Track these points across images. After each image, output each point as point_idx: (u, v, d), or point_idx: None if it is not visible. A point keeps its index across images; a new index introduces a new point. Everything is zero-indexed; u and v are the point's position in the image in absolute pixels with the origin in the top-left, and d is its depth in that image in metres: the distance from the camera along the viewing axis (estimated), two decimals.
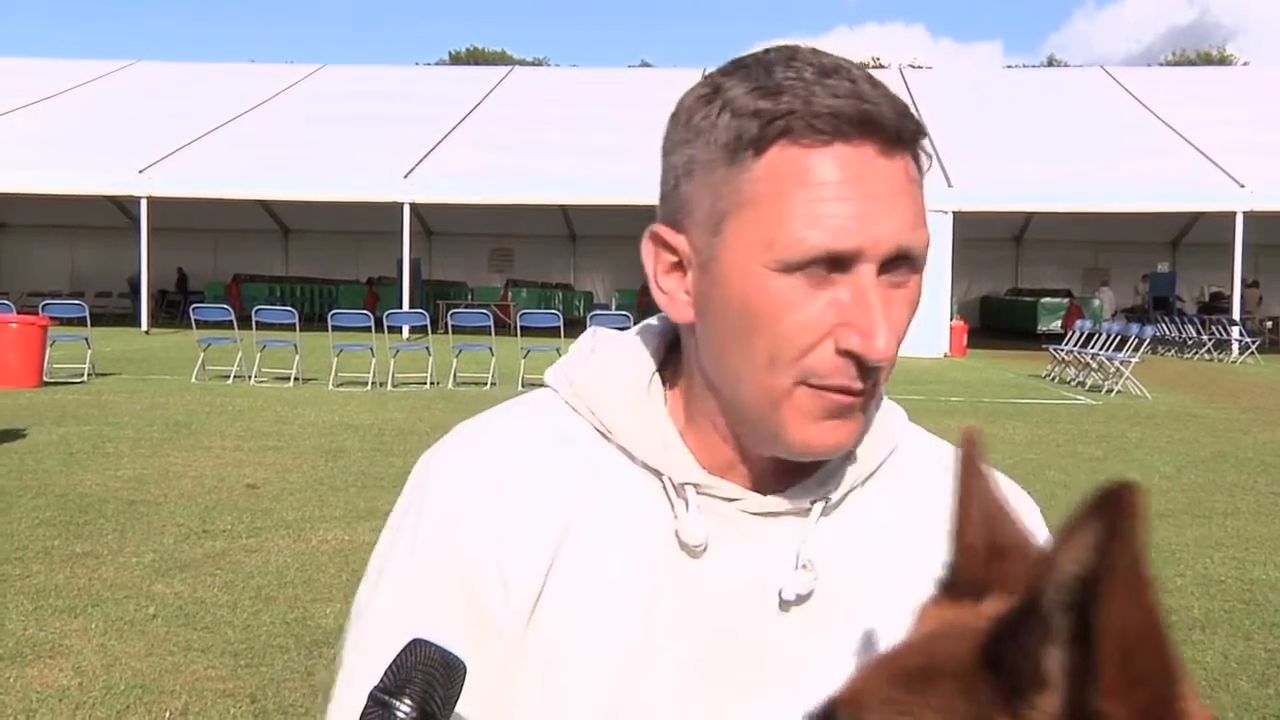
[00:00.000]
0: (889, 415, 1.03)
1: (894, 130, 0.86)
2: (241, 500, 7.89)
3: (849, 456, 0.99)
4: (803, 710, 0.96)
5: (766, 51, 0.90)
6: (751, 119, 0.86)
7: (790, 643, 0.96)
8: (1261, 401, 16.39)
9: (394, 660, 0.81)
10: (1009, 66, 62.86)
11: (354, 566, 6.23)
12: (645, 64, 60.51)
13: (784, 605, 0.96)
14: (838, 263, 0.86)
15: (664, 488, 0.97)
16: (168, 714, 4.25)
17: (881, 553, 0.99)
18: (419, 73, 45.18)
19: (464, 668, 0.82)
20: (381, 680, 0.80)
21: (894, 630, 0.98)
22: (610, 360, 1.02)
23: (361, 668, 1.00)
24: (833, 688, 0.96)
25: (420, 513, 1.00)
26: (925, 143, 0.90)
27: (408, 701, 0.79)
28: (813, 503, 0.97)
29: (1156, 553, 6.80)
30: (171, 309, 31.76)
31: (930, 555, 1.00)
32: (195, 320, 17.65)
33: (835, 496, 0.98)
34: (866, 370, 0.88)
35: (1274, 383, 20.12)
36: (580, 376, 1.02)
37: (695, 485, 0.96)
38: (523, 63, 61.18)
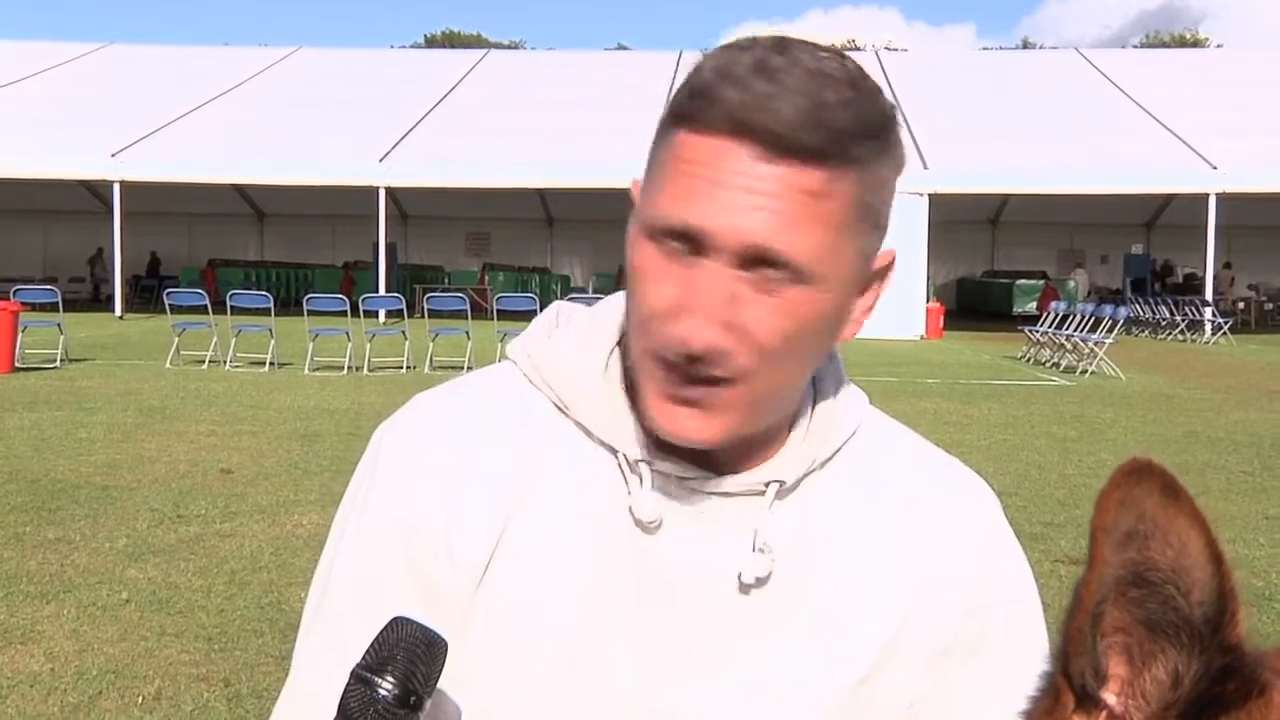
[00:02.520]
0: (849, 400, 1.03)
1: (780, 138, 0.84)
2: (216, 485, 7.86)
3: (806, 439, 0.99)
4: (759, 690, 0.97)
5: (752, 39, 0.90)
6: (680, 96, 0.89)
7: (747, 624, 0.96)
8: (1233, 381, 16.51)
9: (376, 638, 0.81)
10: (984, 49, 62.92)
11: None
12: (622, 47, 60.31)
13: (743, 588, 0.96)
14: (693, 243, 0.87)
15: (619, 464, 0.97)
16: (140, 699, 4.24)
17: (839, 537, 0.99)
18: (394, 55, 44.95)
19: (445, 645, 0.82)
20: (363, 658, 0.81)
21: (851, 614, 0.98)
22: (571, 334, 1.02)
23: (316, 637, 1.01)
24: (779, 665, 0.97)
25: (371, 482, 1.01)
26: (866, 162, 0.87)
27: (390, 679, 0.79)
28: (767, 484, 0.97)
29: None
30: (146, 294, 31.57)
31: (886, 541, 1.01)
32: (170, 305, 17.54)
33: (791, 479, 0.98)
34: (694, 358, 0.88)
35: (1246, 363, 20.26)
36: (539, 350, 1.02)
37: (648, 462, 0.96)
38: (499, 45, 60.92)
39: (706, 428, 0.91)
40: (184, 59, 37.61)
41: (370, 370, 15.76)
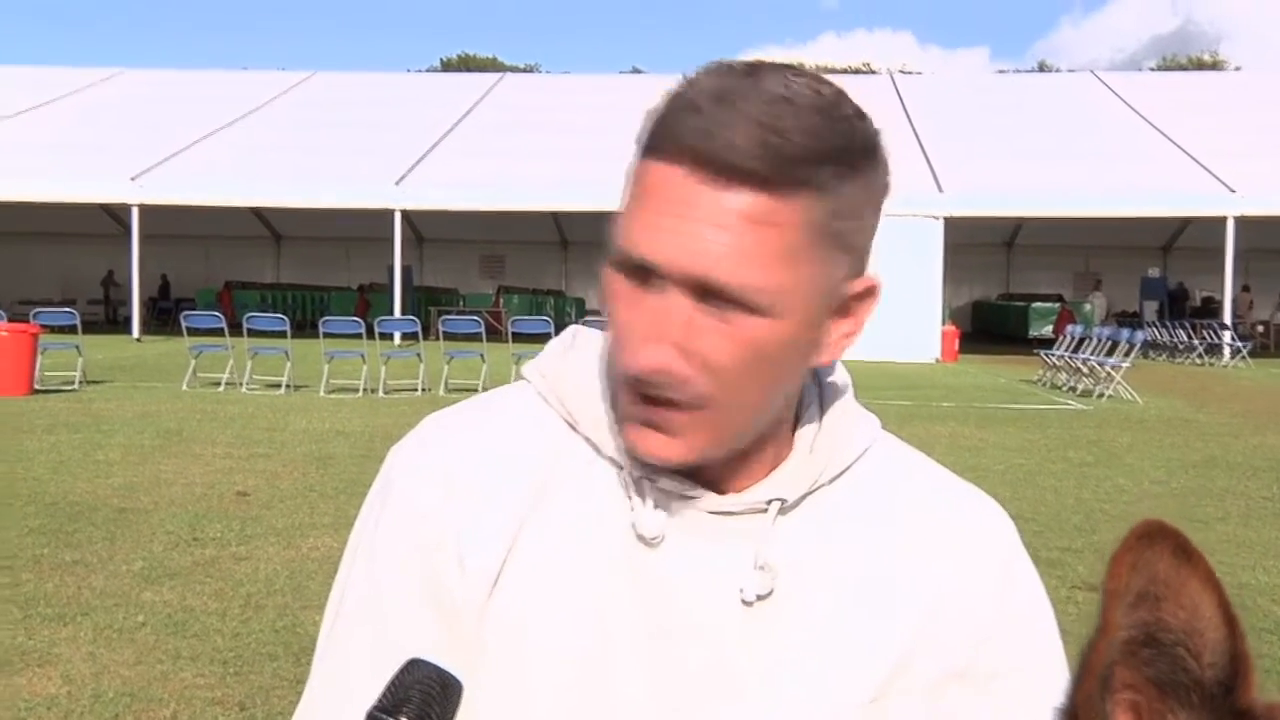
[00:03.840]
0: (854, 422, 1.04)
1: (724, 165, 0.85)
2: (232, 508, 7.88)
3: (810, 458, 1.00)
4: (759, 707, 0.96)
5: (727, 64, 0.91)
6: (644, 123, 0.91)
7: (748, 643, 0.96)
8: (1252, 406, 16.42)
9: (391, 679, 0.81)
10: (1000, 71, 62.94)
11: None
12: (636, 70, 60.57)
13: (744, 605, 0.96)
14: (648, 274, 0.89)
15: (623, 480, 0.98)
16: None
17: (845, 556, 0.99)
18: (410, 79, 45.19)
19: (460, 687, 0.82)
20: (379, 699, 0.81)
21: (856, 633, 0.98)
22: (584, 355, 1.03)
23: (330, 660, 1.01)
24: (785, 686, 0.97)
25: (384, 504, 1.01)
26: (824, 188, 0.87)
27: None
28: (769, 502, 0.98)
29: None
30: (164, 315, 31.71)
31: (895, 560, 1.00)
32: (187, 328, 17.61)
33: (792, 497, 0.98)
34: (648, 380, 0.89)
35: (1264, 387, 20.16)
36: (553, 369, 1.04)
37: (652, 480, 0.96)
38: (514, 69, 61.20)
39: (672, 448, 0.93)
40: (201, 83, 37.86)
41: (385, 393, 15.79)
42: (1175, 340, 27.28)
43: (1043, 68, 74.19)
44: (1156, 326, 27.96)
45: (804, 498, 0.99)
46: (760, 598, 0.96)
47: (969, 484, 1.07)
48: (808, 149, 0.86)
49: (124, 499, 8.08)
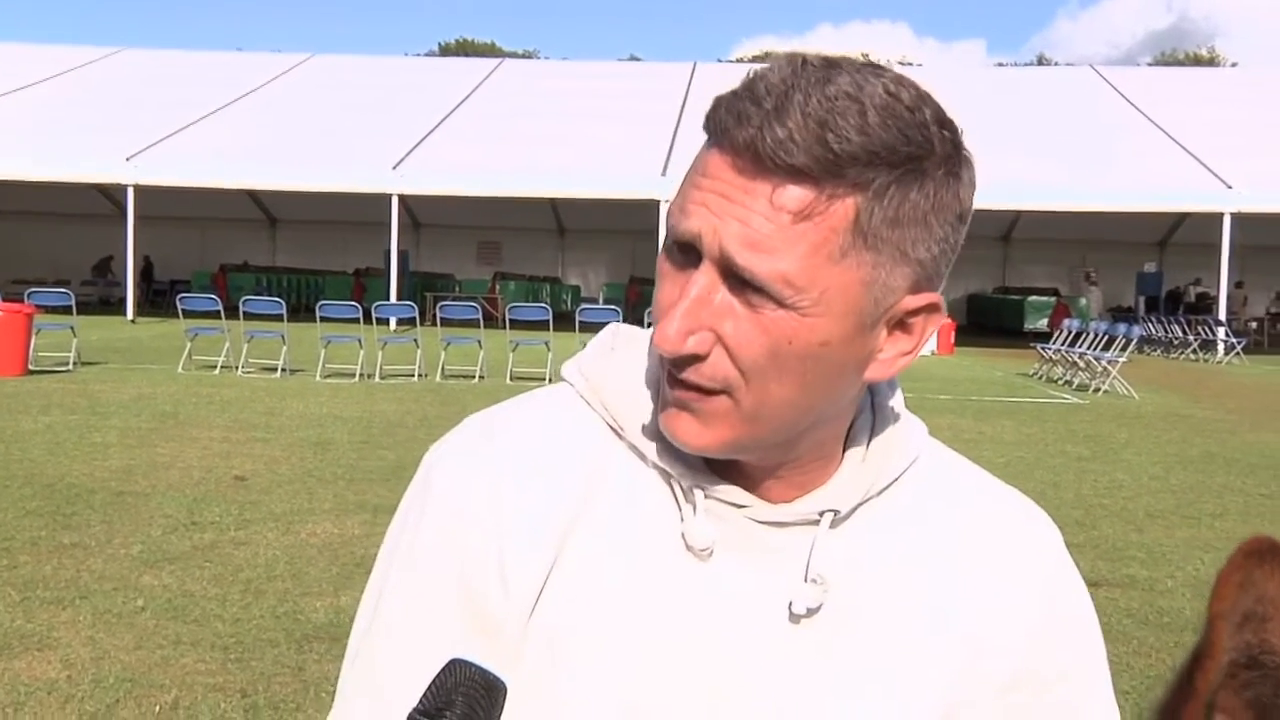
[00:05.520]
0: (908, 429, 1.02)
1: (770, 155, 0.84)
2: (230, 492, 7.85)
3: (863, 468, 0.98)
4: None
5: (803, 56, 0.89)
6: (711, 109, 0.89)
7: (799, 655, 0.94)
8: (1247, 402, 16.45)
9: (433, 681, 0.79)
10: (999, 64, 62.90)
11: (343, 560, 6.20)
12: (634, 58, 60.46)
13: (793, 618, 0.94)
14: (690, 254, 0.88)
15: (672, 489, 0.96)
16: (158, 708, 4.22)
17: (892, 570, 0.97)
18: (408, 64, 45.08)
19: (504, 688, 0.80)
20: (420, 702, 0.78)
21: (901, 648, 0.97)
22: (628, 357, 1.01)
23: (363, 664, 0.99)
24: (841, 703, 0.95)
25: (424, 509, 0.99)
26: (877, 191, 0.85)
27: None
28: (821, 514, 0.96)
29: (1147, 553, 6.83)
30: (158, 297, 31.60)
31: (946, 571, 0.99)
32: (182, 310, 17.55)
33: (845, 508, 0.96)
34: (673, 358, 0.89)
35: (1259, 383, 20.20)
36: (596, 372, 1.01)
37: (703, 489, 0.95)
38: (512, 55, 61.07)
39: (702, 434, 0.91)
40: (198, 64, 37.73)
41: (382, 378, 15.75)
42: (1170, 335, 27.32)
43: (1041, 61, 74.15)
44: (1150, 321, 27.98)
45: (855, 509, 0.97)
46: (811, 611, 0.94)
47: (1015, 491, 1.06)
48: (864, 149, 0.83)
49: (121, 482, 8.04)
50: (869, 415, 1.00)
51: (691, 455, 0.95)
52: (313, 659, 4.74)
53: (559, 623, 0.93)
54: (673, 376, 0.90)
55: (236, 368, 15.99)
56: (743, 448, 0.92)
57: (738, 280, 0.86)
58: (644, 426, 0.97)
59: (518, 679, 0.92)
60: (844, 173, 0.84)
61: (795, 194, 0.84)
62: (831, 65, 0.87)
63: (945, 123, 0.88)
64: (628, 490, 0.96)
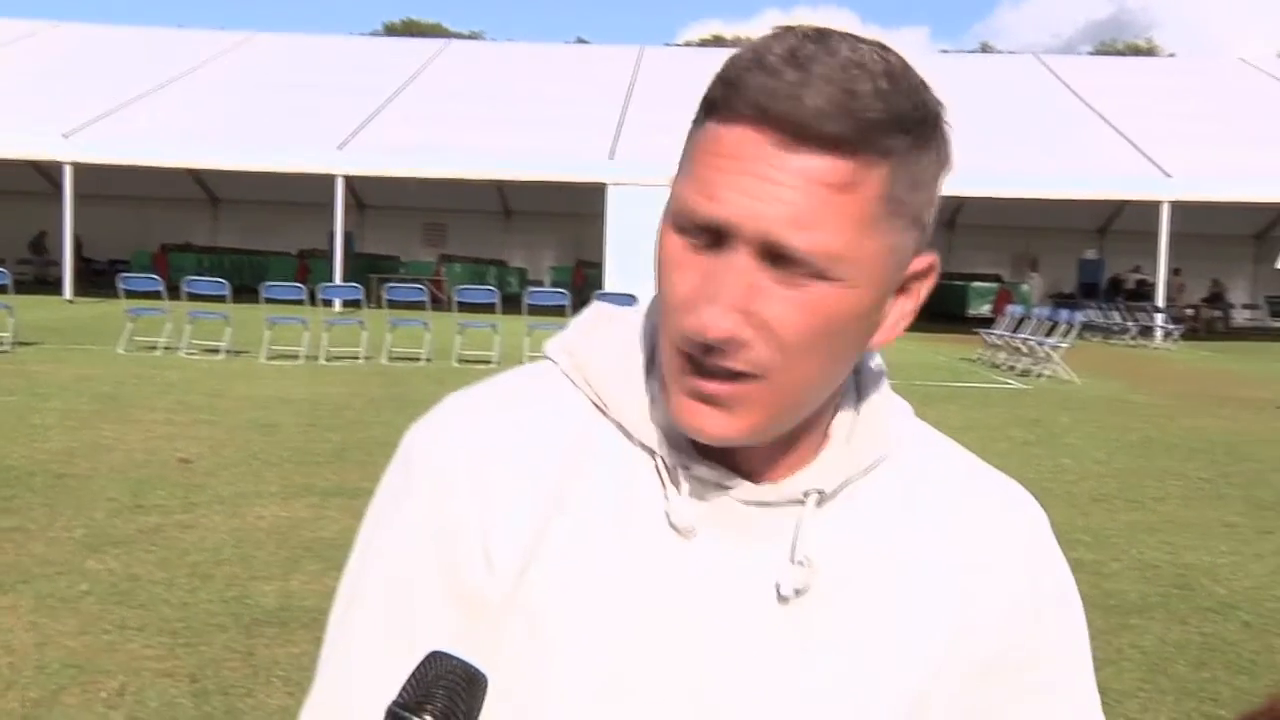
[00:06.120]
0: (890, 410, 1.01)
1: (803, 127, 0.82)
2: (174, 475, 7.74)
3: (848, 447, 0.97)
4: (797, 704, 0.94)
5: (789, 28, 0.88)
6: (711, 86, 0.88)
7: (784, 637, 0.93)
8: (1185, 388, 16.71)
9: (413, 674, 0.78)
10: (943, 51, 63.38)
11: (292, 544, 6.14)
12: (581, 40, 60.21)
13: (780, 599, 0.93)
14: (715, 235, 0.86)
15: (656, 467, 0.94)
16: (104, 694, 4.16)
17: (877, 550, 0.97)
18: (354, 43, 44.55)
19: (486, 682, 0.79)
20: (400, 695, 0.76)
21: (888, 629, 0.96)
22: (612, 334, 1.00)
23: (343, 646, 0.97)
24: (826, 684, 0.94)
25: (406, 486, 0.97)
26: (898, 156, 0.85)
27: (428, 718, 0.75)
28: (806, 494, 0.95)
29: (1093, 537, 6.92)
30: (97, 276, 31.05)
31: (930, 551, 0.98)
32: (124, 290, 17.27)
33: (830, 488, 0.95)
34: (710, 349, 0.86)
35: (1196, 369, 20.53)
36: (581, 349, 0.99)
37: (688, 468, 0.93)
38: (459, 36, 60.61)
39: (728, 424, 0.89)
40: (138, 40, 37.03)
41: (327, 360, 15.60)
42: (1110, 322, 27.68)
43: (985, 49, 74.76)
44: (1091, 308, 28.34)
45: (840, 489, 0.96)
46: (797, 593, 0.93)
47: (999, 472, 1.06)
48: (883, 114, 0.83)
49: (62, 464, 7.91)
50: (854, 394, 0.99)
51: (676, 433, 0.93)
52: (262, 643, 4.69)
53: (541, 600, 0.92)
54: (695, 366, 0.88)
55: (179, 349, 15.77)
56: (766, 432, 0.91)
57: (775, 258, 0.85)
58: (629, 403, 0.96)
59: (500, 657, 0.91)
60: (875, 141, 0.84)
61: (834, 165, 0.84)
62: (823, 34, 0.87)
63: (926, 85, 0.89)
64: (611, 468, 0.95)
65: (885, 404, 1.01)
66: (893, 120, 0.84)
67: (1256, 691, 4.54)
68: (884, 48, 0.87)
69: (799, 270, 0.85)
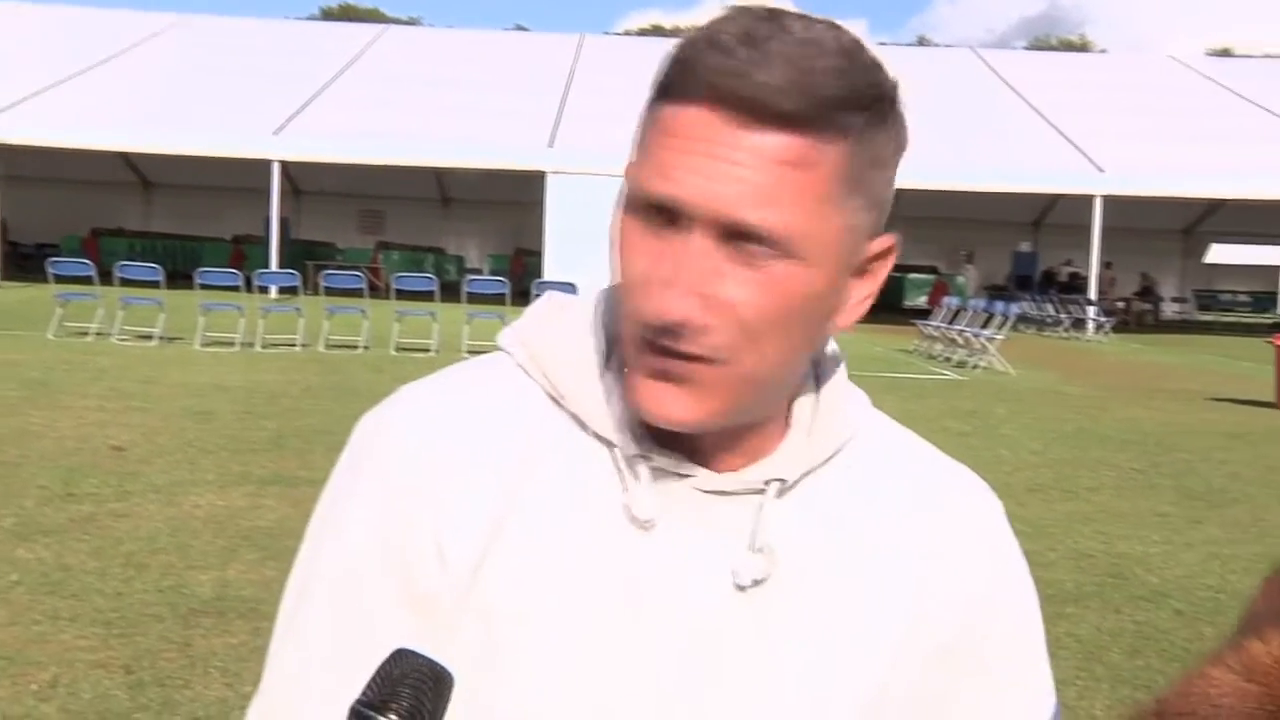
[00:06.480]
0: (849, 399, 1.00)
1: (758, 105, 0.82)
2: (107, 462, 7.61)
3: (809, 437, 0.96)
4: (758, 695, 0.93)
5: (744, 8, 0.87)
6: (664, 67, 0.86)
7: (744, 627, 0.92)
8: (1117, 380, 16.98)
9: (378, 671, 0.76)
10: (881, 43, 63.83)
11: (229, 533, 6.05)
12: (520, 28, 59.93)
13: (739, 589, 0.92)
14: (671, 215, 0.84)
15: (614, 459, 0.93)
16: (35, 686, 4.07)
17: (837, 539, 0.96)
18: (291, 27, 44.01)
19: (452, 680, 0.77)
20: (364, 693, 0.74)
21: (848, 618, 0.96)
22: (567, 324, 0.98)
23: (292, 644, 0.95)
24: (787, 674, 0.94)
25: (356, 480, 0.95)
26: (856, 135, 0.84)
27: (393, 717, 0.73)
28: (767, 483, 0.94)
29: (1030, 527, 7.00)
30: (25, 261, 30.42)
31: (888, 541, 0.98)
32: (53, 274, 16.93)
33: (791, 477, 0.95)
34: (668, 332, 0.84)
35: (1127, 361, 20.87)
36: (535, 339, 0.97)
37: (647, 458, 0.92)
38: (397, 21, 60.09)
39: (689, 409, 0.87)
40: (68, 20, 36.32)
41: (264, 347, 15.41)
42: (1044, 314, 28.07)
43: (922, 42, 75.37)
44: (1025, 300, 28.72)
45: (801, 478, 0.95)
46: (756, 582, 0.92)
47: (957, 462, 1.06)
48: (840, 92, 0.83)
49: None
50: (813, 382, 0.99)
51: (634, 423, 0.92)
52: (199, 634, 4.62)
53: (498, 597, 0.90)
54: (655, 347, 0.86)
55: (111, 335, 15.50)
56: (727, 417, 0.90)
57: (733, 236, 0.83)
58: (585, 394, 0.94)
59: (454, 655, 0.88)
60: (833, 118, 0.83)
61: (791, 143, 0.83)
62: (775, 14, 0.86)
63: (881, 64, 0.88)
64: (568, 461, 0.93)
65: (845, 392, 1.00)
66: (850, 97, 0.83)
67: None
68: (837, 26, 0.86)
69: (758, 250, 0.84)
